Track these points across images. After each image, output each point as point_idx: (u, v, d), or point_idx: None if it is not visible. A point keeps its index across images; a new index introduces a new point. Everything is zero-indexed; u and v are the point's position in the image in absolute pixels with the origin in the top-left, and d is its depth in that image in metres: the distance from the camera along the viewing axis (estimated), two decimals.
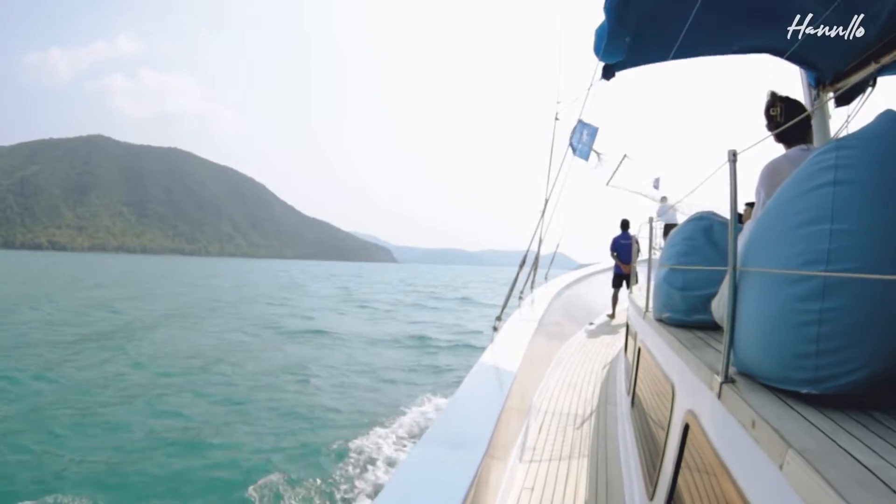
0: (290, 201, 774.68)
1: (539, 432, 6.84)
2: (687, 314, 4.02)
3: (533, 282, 10.97)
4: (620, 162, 14.44)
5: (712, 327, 3.73)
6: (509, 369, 5.09)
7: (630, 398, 5.53)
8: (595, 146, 10.39)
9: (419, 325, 33.51)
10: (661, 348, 3.81)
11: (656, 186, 15.52)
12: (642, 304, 5.67)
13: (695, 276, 4.02)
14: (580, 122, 9.61)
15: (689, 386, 2.78)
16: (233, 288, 67.18)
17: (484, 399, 4.16)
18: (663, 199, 15.78)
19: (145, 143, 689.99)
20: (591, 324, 15.10)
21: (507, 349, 6.18)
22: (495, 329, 6.82)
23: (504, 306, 7.71)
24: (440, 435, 3.23)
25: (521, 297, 9.76)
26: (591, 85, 7.89)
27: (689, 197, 9.08)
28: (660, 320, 4.25)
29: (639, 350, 5.13)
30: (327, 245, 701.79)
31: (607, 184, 14.53)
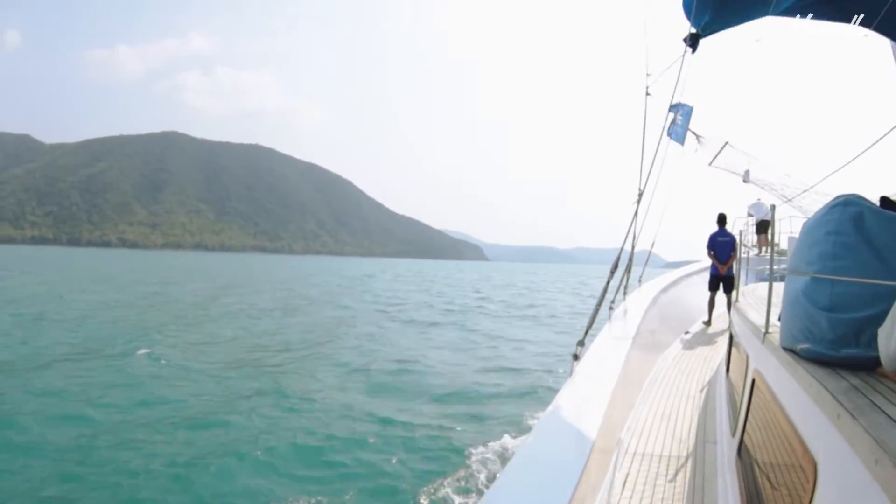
0: (378, 198, 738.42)
1: (623, 486, 5.72)
2: (835, 346, 2.84)
3: (626, 287, 10.42)
4: (721, 149, 14.37)
5: (871, 366, 2.67)
6: (594, 408, 4.53)
7: (736, 444, 4.44)
8: (691, 127, 10.39)
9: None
10: (799, 401, 2.76)
11: (746, 180, 15.26)
12: (758, 320, 4.66)
13: (848, 291, 2.80)
14: (673, 104, 9.21)
15: (846, 471, 1.92)
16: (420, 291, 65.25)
17: (561, 447, 3.63)
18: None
19: (224, 139, 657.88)
20: (686, 333, 13.41)
21: (592, 380, 5.67)
22: (576, 357, 6.00)
23: (588, 328, 7.00)
24: (510, 491, 2.81)
25: (611, 308, 9.15)
26: (684, 54, 7.49)
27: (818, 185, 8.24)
28: (790, 350, 3.20)
29: (752, 382, 4.14)
30: (417, 243, 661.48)
31: (710, 164, 14.60)
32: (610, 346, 6.89)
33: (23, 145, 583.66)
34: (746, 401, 4.31)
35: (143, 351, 20.88)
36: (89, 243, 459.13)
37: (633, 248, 8.95)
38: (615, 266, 8.18)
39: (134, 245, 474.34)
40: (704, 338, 12.89)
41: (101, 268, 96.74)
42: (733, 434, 4.69)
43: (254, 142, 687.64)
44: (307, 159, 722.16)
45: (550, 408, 4.67)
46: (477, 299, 54.81)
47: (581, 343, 6.15)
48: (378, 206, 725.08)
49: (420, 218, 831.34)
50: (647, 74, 8.41)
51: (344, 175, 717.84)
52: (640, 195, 8.30)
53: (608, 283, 7.63)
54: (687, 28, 6.78)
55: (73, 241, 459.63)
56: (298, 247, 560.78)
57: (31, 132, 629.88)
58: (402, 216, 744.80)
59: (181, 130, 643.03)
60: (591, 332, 6.67)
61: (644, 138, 8.40)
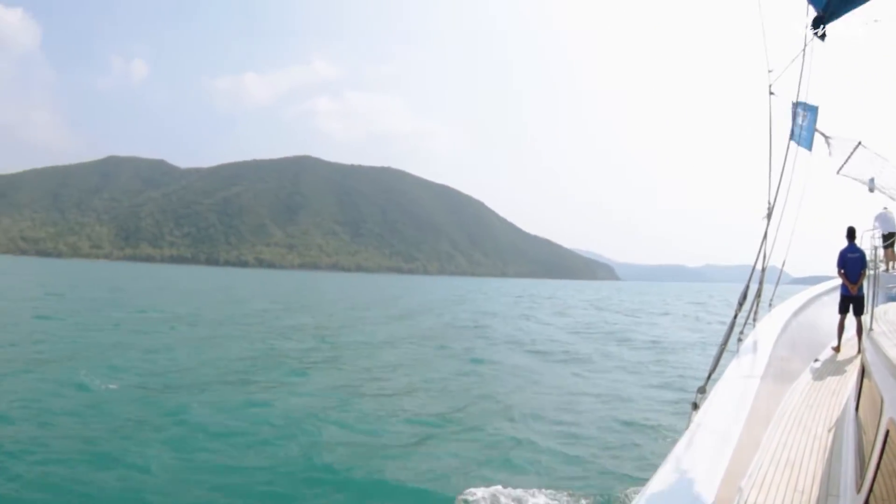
0: (510, 218, 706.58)
1: None
2: None
3: (755, 314, 9.19)
4: (853, 151, 12.84)
5: None
6: (715, 461, 3.93)
7: (863, 501, 3.91)
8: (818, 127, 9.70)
9: None
10: None
11: (871, 188, 13.81)
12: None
13: None
14: (795, 103, 8.57)
15: None
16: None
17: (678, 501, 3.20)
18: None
19: (356, 162, 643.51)
20: (816, 360, 12.33)
21: (714, 431, 4.97)
22: (696, 406, 5.26)
23: (711, 372, 6.18)
24: None
25: (740, 339, 8.48)
26: (806, 45, 6.76)
27: None
28: None
29: (886, 434, 3.66)
30: (549, 263, 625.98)
31: (838, 172, 13.19)
32: (737, 385, 6.12)
33: (158, 170, 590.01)
34: (878, 454, 3.74)
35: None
36: (227, 262, 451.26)
37: (763, 270, 8.09)
38: (743, 296, 7.19)
39: (271, 265, 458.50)
40: (834, 366, 11.77)
41: (283, 287, 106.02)
42: (858, 490, 4.19)
43: (385, 164, 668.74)
44: (439, 180, 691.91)
45: (665, 463, 4.19)
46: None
47: (702, 390, 5.40)
48: (510, 227, 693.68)
49: (551, 237, 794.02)
50: (769, 71, 7.58)
51: (476, 196, 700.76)
52: (770, 210, 7.46)
53: (735, 317, 6.73)
54: (804, 14, 5.76)
55: (212, 261, 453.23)
56: (433, 268, 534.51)
57: (166, 157, 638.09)
58: (534, 236, 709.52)
59: (314, 154, 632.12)
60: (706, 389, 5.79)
61: (771, 144, 7.55)
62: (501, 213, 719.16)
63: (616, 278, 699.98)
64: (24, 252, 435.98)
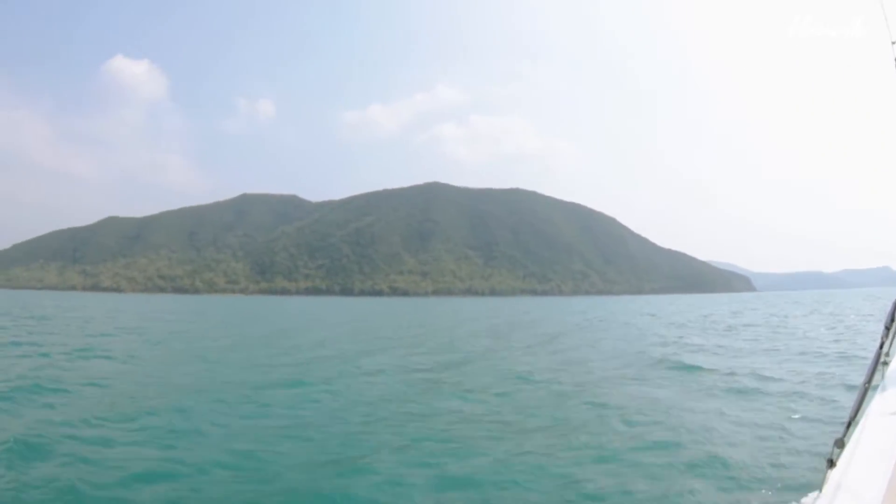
0: (642, 233, 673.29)
1: None
2: None
3: None
4: None
5: None
6: None
7: None
8: None
9: None
10: None
11: None
12: None
13: None
14: None
15: None
16: None
17: None
18: None
19: (485, 186, 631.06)
20: None
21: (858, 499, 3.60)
22: (832, 464, 3.46)
23: (852, 419, 4.09)
24: None
25: (884, 362, 6.37)
26: None
27: None
28: None
29: None
30: (684, 277, 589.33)
31: None
32: (885, 434, 3.96)
33: (290, 205, 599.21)
34: None
35: None
36: (361, 292, 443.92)
37: None
38: (892, 317, 4.88)
39: (405, 293, 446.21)
40: None
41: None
42: None
43: (514, 186, 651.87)
44: (568, 198, 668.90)
45: None
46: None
47: (840, 444, 3.80)
48: (643, 241, 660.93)
49: (684, 250, 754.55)
50: (893, 42, 6.16)
51: (607, 212, 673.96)
52: None
53: (881, 346, 4.30)
54: None
55: (346, 291, 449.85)
56: (567, 288, 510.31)
57: (298, 192, 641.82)
58: (668, 250, 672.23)
59: (442, 180, 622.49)
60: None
61: None
62: (634, 227, 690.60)
63: (752, 289, 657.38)
64: (161, 289, 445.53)
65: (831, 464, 3.81)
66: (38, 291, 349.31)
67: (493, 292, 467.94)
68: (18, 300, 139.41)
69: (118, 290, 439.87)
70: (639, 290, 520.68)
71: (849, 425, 3.99)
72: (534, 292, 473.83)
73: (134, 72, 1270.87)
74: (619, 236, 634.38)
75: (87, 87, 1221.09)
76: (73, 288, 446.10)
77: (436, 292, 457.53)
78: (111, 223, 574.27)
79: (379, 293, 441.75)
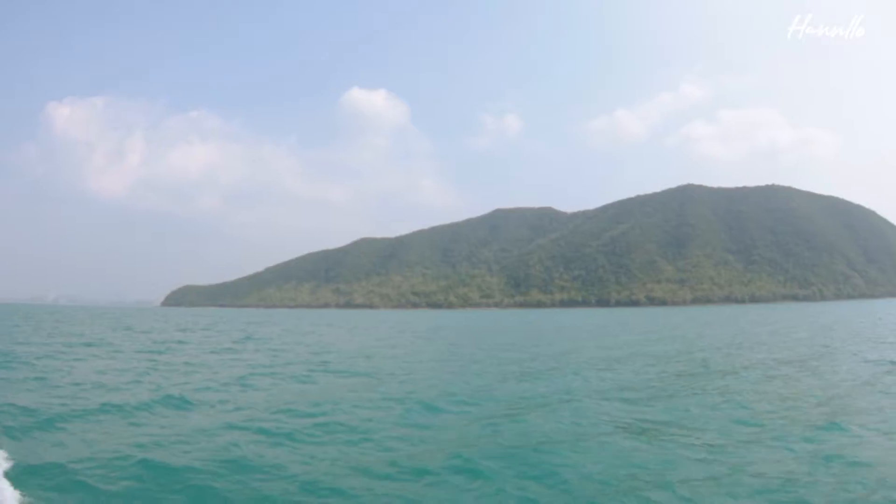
0: None
1: None
2: None
3: None
4: None
5: None
6: None
7: None
8: None
9: None
10: None
11: None
12: None
13: None
14: None
15: None
16: None
17: None
18: None
19: (739, 184, 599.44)
20: None
21: None
22: None
23: None
24: None
25: None
26: None
27: None
28: None
29: None
30: None
31: None
32: None
33: (545, 217, 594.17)
34: None
35: None
36: (618, 303, 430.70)
37: None
38: None
39: (662, 302, 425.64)
40: None
41: None
42: None
43: (770, 182, 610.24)
44: (826, 192, 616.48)
45: None
46: None
47: None
48: None
49: None
50: None
51: (866, 205, 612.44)
52: None
53: None
54: None
55: (602, 302, 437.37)
56: (829, 292, 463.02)
57: (552, 204, 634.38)
58: None
59: (696, 182, 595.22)
60: None
61: None
62: (894, 219, 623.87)
63: None
64: (415, 305, 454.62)
65: None
66: (292, 310, 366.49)
67: (754, 299, 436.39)
68: (300, 316, 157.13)
69: (371, 306, 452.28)
70: None
71: None
72: (795, 298, 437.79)
73: (373, 101, 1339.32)
74: (880, 230, 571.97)
75: (330, 120, 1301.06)
76: (327, 305, 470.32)
77: (694, 301, 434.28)
78: (364, 244, 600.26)
79: (636, 303, 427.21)
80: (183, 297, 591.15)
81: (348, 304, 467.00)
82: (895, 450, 14.38)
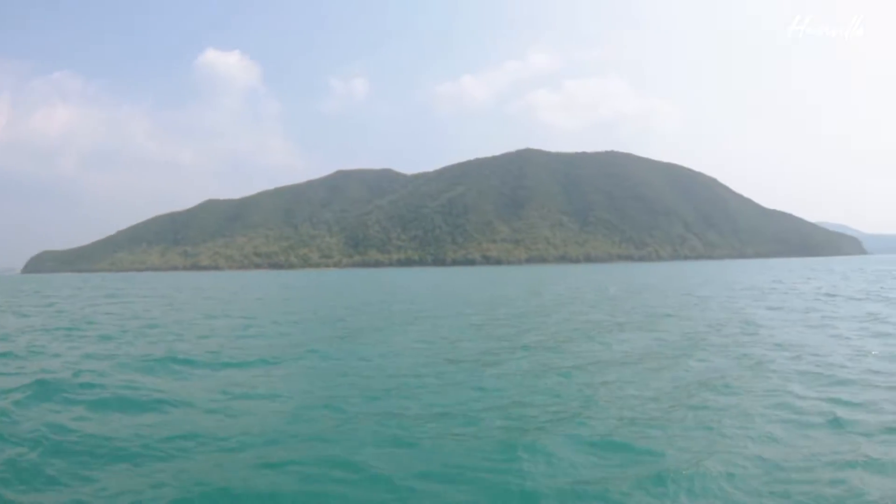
0: (746, 194, 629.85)
1: None
2: None
3: None
4: None
5: None
6: None
7: None
8: None
9: None
10: None
11: None
12: None
13: None
14: None
15: None
16: None
17: None
18: None
19: (579, 150, 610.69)
20: None
21: None
22: None
23: None
24: None
25: None
26: None
27: None
28: None
29: None
30: (789, 240, 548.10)
31: None
32: None
33: (385, 178, 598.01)
34: None
35: None
36: (454, 262, 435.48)
37: None
38: None
39: (497, 262, 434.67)
40: None
41: None
42: None
43: (610, 149, 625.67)
44: (666, 160, 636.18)
45: None
46: None
47: None
48: (746, 202, 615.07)
49: (792, 211, 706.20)
50: None
51: (707, 172, 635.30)
52: None
53: None
54: None
55: (438, 262, 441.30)
56: (665, 252, 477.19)
57: (392, 166, 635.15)
58: (773, 210, 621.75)
59: (536, 147, 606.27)
60: None
61: None
62: (736, 188, 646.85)
63: (863, 252, 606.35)
64: (257, 266, 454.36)
65: None
66: (141, 273, 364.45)
67: (588, 259, 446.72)
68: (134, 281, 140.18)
69: (216, 268, 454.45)
70: (741, 254, 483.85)
71: None
72: (630, 258, 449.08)
73: (227, 61, 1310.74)
74: (721, 197, 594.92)
75: (183, 82, 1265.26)
76: (175, 268, 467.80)
77: (529, 260, 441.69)
78: (211, 206, 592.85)
79: (472, 262, 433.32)
80: (42, 264, 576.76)
81: (195, 267, 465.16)
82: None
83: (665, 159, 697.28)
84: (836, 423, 10.59)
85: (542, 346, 20.75)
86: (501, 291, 60.51)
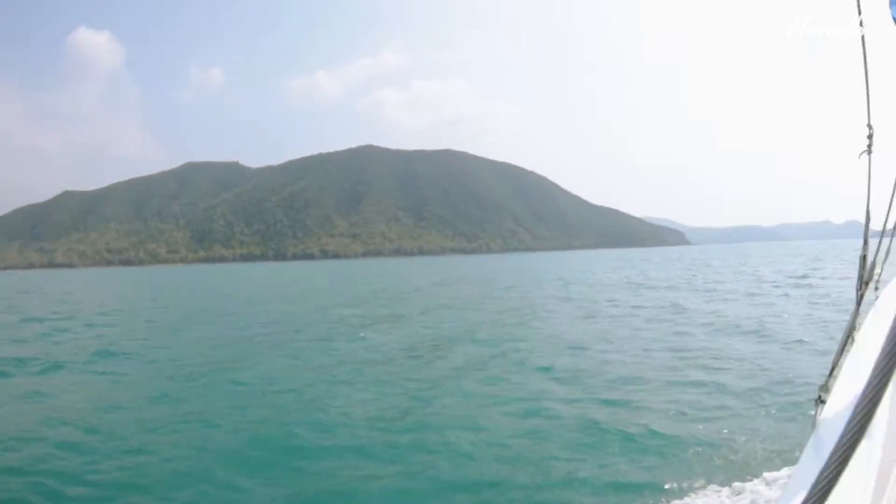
0: (575, 191, 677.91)
1: None
2: None
3: (878, 282, 5.21)
4: None
5: None
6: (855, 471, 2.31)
7: None
8: None
9: None
10: None
11: None
12: None
13: None
14: None
15: None
16: None
17: None
18: None
19: (419, 148, 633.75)
20: None
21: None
22: (821, 401, 2.38)
23: (837, 361, 3.44)
24: None
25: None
26: None
27: None
28: None
29: None
30: (615, 233, 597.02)
31: None
32: (864, 376, 3.59)
33: (231, 172, 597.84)
34: None
35: None
36: (294, 257, 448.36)
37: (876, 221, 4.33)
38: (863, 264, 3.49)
39: (335, 256, 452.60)
40: None
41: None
42: None
43: (447, 147, 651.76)
44: (501, 160, 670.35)
45: (794, 473, 2.16)
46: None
47: (825, 388, 2.98)
48: (574, 199, 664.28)
49: (619, 207, 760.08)
50: None
51: (539, 171, 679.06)
52: (871, 135, 3.64)
53: (861, 294, 3.34)
54: None
55: (279, 256, 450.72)
56: (496, 245, 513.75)
57: (240, 159, 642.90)
58: (600, 207, 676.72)
59: (381, 144, 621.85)
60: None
61: (864, 37, 3.64)
62: (566, 186, 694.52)
63: (686, 243, 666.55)
64: (109, 263, 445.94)
65: (821, 401, 2.97)
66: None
67: (422, 252, 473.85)
68: None
69: (71, 265, 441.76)
70: (569, 246, 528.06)
71: (833, 366, 2.88)
72: (462, 251, 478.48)
73: (95, 41, 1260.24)
74: (550, 194, 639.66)
75: (54, 61, 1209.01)
76: (32, 266, 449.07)
77: (365, 254, 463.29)
78: (67, 198, 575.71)
79: (311, 256, 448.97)
80: None
81: (51, 264, 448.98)
82: None
83: (501, 159, 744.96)
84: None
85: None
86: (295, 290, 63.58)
